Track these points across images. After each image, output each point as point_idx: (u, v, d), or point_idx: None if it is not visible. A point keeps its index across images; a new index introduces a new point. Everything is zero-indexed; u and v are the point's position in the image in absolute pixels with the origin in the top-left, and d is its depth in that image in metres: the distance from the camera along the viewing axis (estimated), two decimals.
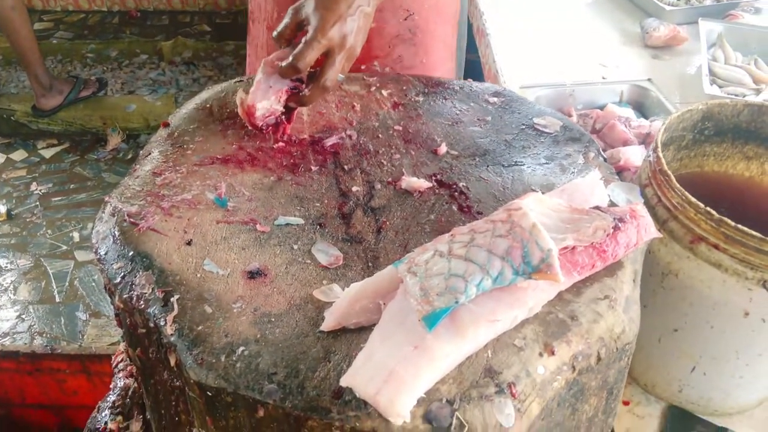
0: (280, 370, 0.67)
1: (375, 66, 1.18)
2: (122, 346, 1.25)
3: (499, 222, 0.72)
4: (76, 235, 2.80)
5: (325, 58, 0.94)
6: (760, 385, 1.03)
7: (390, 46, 1.17)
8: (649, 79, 1.82)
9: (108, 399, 1.18)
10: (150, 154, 0.96)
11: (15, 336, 2.38)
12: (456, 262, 0.69)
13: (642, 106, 1.76)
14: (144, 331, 0.75)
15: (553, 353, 0.68)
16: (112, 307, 1.00)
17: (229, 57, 3.97)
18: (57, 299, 2.53)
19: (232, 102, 1.07)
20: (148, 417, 1.12)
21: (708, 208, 0.85)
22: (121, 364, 1.20)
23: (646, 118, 1.71)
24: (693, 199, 0.87)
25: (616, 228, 0.76)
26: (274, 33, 0.93)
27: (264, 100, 0.94)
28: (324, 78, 0.94)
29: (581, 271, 0.74)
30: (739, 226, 0.83)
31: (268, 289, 0.77)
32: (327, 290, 0.77)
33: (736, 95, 1.85)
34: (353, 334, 0.71)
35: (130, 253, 0.79)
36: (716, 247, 0.87)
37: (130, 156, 3.28)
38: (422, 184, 0.92)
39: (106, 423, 1.14)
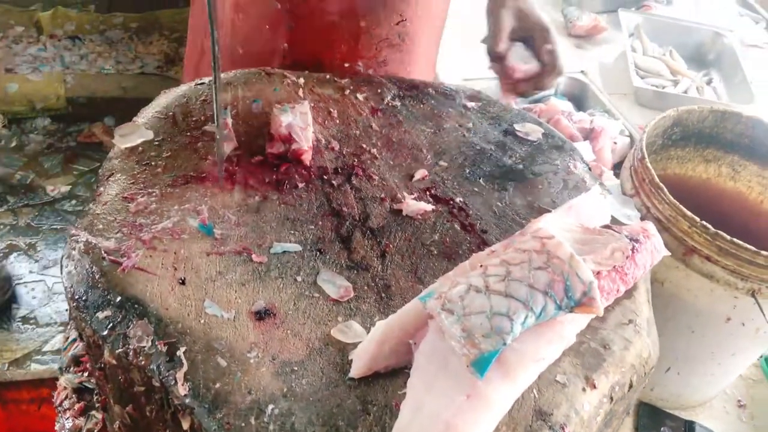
0: (318, 428, 0.61)
1: (359, 66, 1.11)
2: (63, 381, 1.11)
3: (534, 252, 0.68)
4: None
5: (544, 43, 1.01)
6: (725, 381, 1.09)
7: (377, 48, 1.11)
8: (582, 71, 1.85)
9: None
10: (112, 174, 0.84)
11: None
12: (497, 299, 0.65)
13: (577, 98, 1.80)
14: (143, 389, 0.66)
15: (594, 387, 0.67)
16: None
17: (119, 30, 3.63)
18: None
19: (196, 109, 0.96)
20: None
21: (704, 222, 0.87)
22: (66, 402, 1.06)
23: (583, 110, 1.74)
24: (688, 213, 0.88)
25: (633, 249, 0.75)
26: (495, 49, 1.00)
27: None
28: (560, 60, 1.01)
29: (608, 297, 0.73)
30: (735, 239, 0.85)
31: (281, 331, 0.69)
32: (345, 328, 0.71)
33: (657, 86, 1.93)
34: (387, 380, 0.66)
35: (118, 299, 0.68)
36: (708, 258, 0.89)
37: (14, 144, 2.93)
38: (424, 207, 0.86)
39: None
